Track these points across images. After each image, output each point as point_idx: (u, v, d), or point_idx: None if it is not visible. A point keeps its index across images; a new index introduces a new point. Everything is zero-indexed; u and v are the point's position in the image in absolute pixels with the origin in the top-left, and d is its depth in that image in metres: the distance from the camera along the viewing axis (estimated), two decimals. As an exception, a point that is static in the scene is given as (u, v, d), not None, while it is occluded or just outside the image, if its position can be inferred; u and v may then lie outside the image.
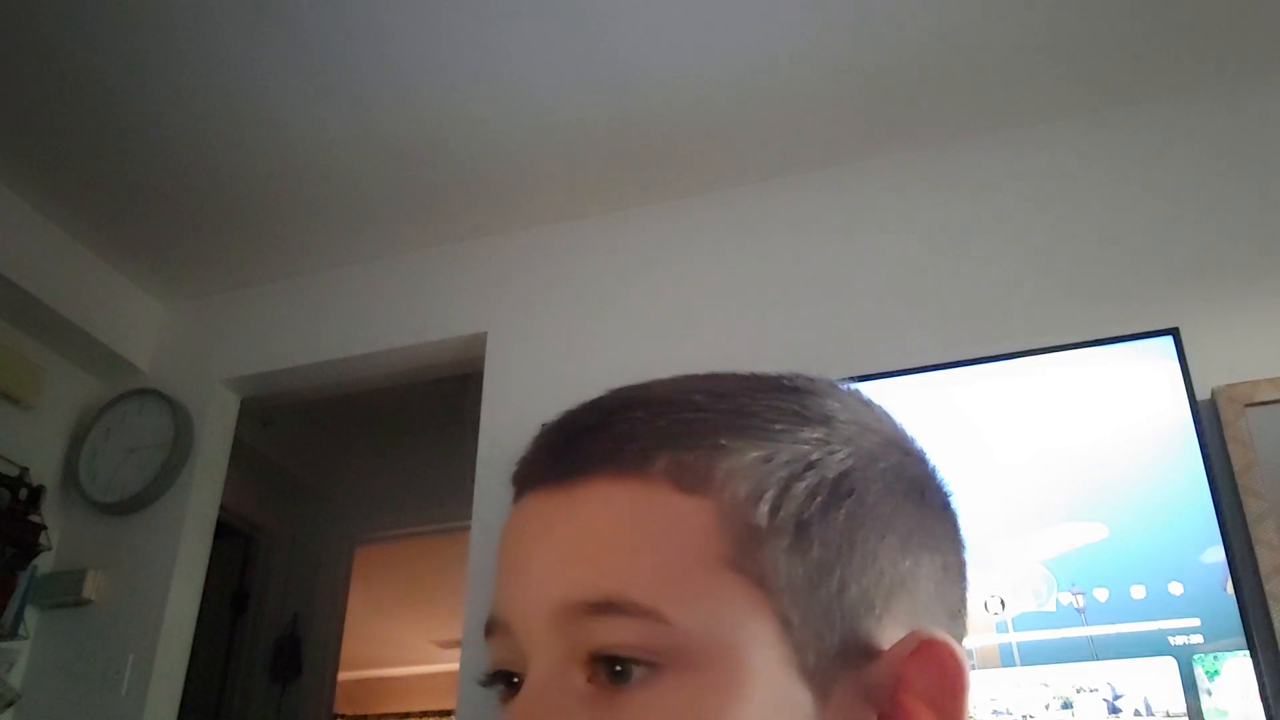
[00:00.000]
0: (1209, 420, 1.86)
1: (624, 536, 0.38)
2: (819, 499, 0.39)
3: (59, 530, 2.72)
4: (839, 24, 2.07)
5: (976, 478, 1.92)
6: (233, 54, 2.16)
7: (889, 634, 0.39)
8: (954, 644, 0.38)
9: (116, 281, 2.87)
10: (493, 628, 0.42)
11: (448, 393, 3.29)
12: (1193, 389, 1.85)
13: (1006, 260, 2.20)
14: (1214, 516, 1.75)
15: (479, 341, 2.58)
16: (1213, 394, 1.89)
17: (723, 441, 0.40)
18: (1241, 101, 2.18)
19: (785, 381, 0.44)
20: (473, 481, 2.38)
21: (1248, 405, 1.85)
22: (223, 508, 2.85)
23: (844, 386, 0.45)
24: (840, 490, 0.40)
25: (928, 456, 0.46)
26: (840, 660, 0.38)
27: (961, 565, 0.45)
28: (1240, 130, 2.16)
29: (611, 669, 0.37)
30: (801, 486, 0.39)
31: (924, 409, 2.02)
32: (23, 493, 2.61)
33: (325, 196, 2.58)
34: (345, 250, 2.78)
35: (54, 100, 2.29)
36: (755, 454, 0.40)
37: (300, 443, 3.75)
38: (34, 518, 2.62)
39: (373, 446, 3.80)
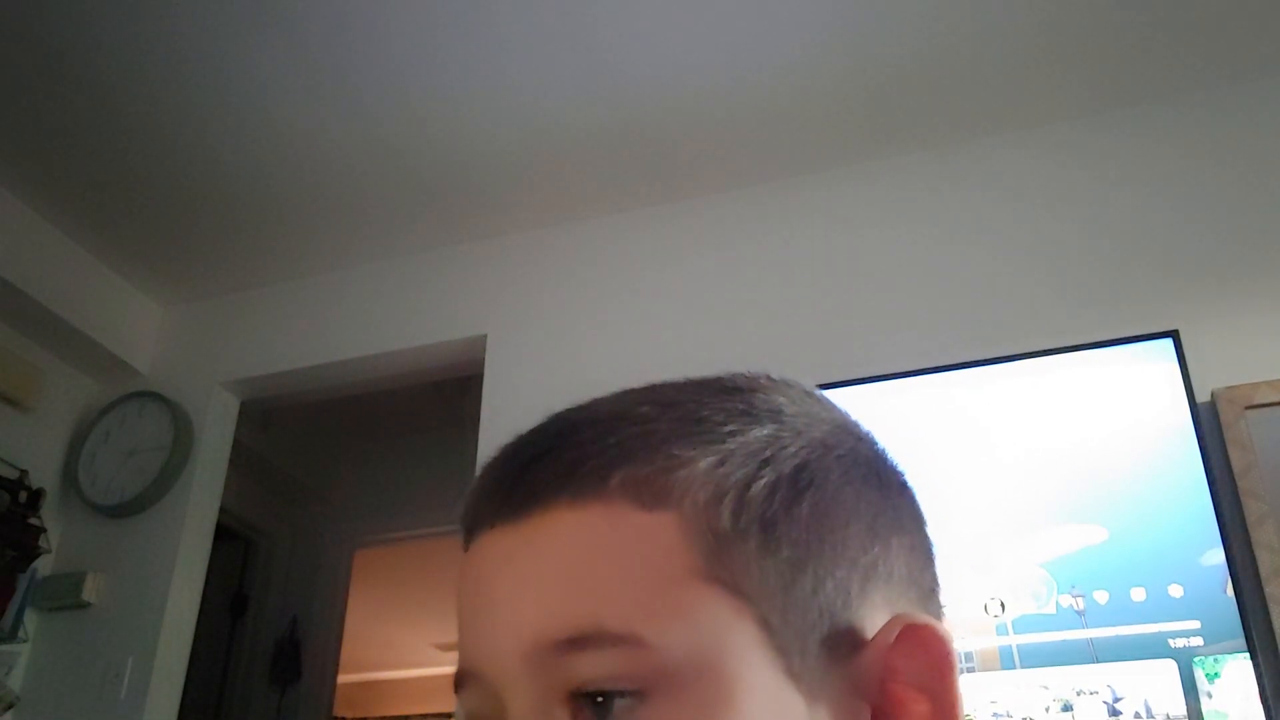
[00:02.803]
0: (1209, 422, 1.86)
1: (590, 564, 0.37)
2: (780, 495, 0.39)
3: (58, 533, 2.72)
4: (838, 26, 2.07)
5: (977, 479, 1.92)
6: (232, 57, 2.16)
7: (870, 623, 0.39)
8: (936, 625, 0.38)
9: (116, 284, 2.87)
10: (462, 681, 0.40)
11: (448, 395, 3.29)
12: (1192, 391, 1.85)
13: (1007, 262, 2.20)
14: (1214, 519, 1.75)
15: (479, 344, 2.58)
16: (1212, 396, 1.89)
17: (675, 452, 0.39)
18: (1241, 103, 2.18)
19: (728, 382, 0.43)
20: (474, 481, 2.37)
21: (1247, 407, 1.85)
22: (222, 510, 2.85)
23: (786, 380, 0.45)
24: (800, 483, 0.39)
25: (877, 439, 0.45)
26: (825, 657, 0.37)
27: (928, 543, 0.44)
28: (1240, 132, 2.16)
29: (595, 703, 0.35)
30: (760, 485, 0.38)
31: (925, 411, 2.02)
32: (22, 495, 2.60)
33: (325, 199, 2.58)
34: (345, 253, 2.78)
35: (54, 103, 2.29)
36: (709, 459, 0.39)
37: (300, 445, 3.74)
38: (33, 520, 2.62)
39: (373, 449, 3.80)
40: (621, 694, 0.35)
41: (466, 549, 0.42)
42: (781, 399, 0.42)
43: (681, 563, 0.37)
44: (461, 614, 0.41)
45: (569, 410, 0.43)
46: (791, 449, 0.40)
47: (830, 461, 0.41)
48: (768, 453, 0.39)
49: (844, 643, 0.38)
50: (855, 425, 0.45)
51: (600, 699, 0.35)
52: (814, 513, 0.39)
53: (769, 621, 0.37)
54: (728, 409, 0.41)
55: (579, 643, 0.36)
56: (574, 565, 0.37)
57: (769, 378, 0.44)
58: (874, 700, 0.38)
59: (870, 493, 0.42)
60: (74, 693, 2.50)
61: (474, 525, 0.42)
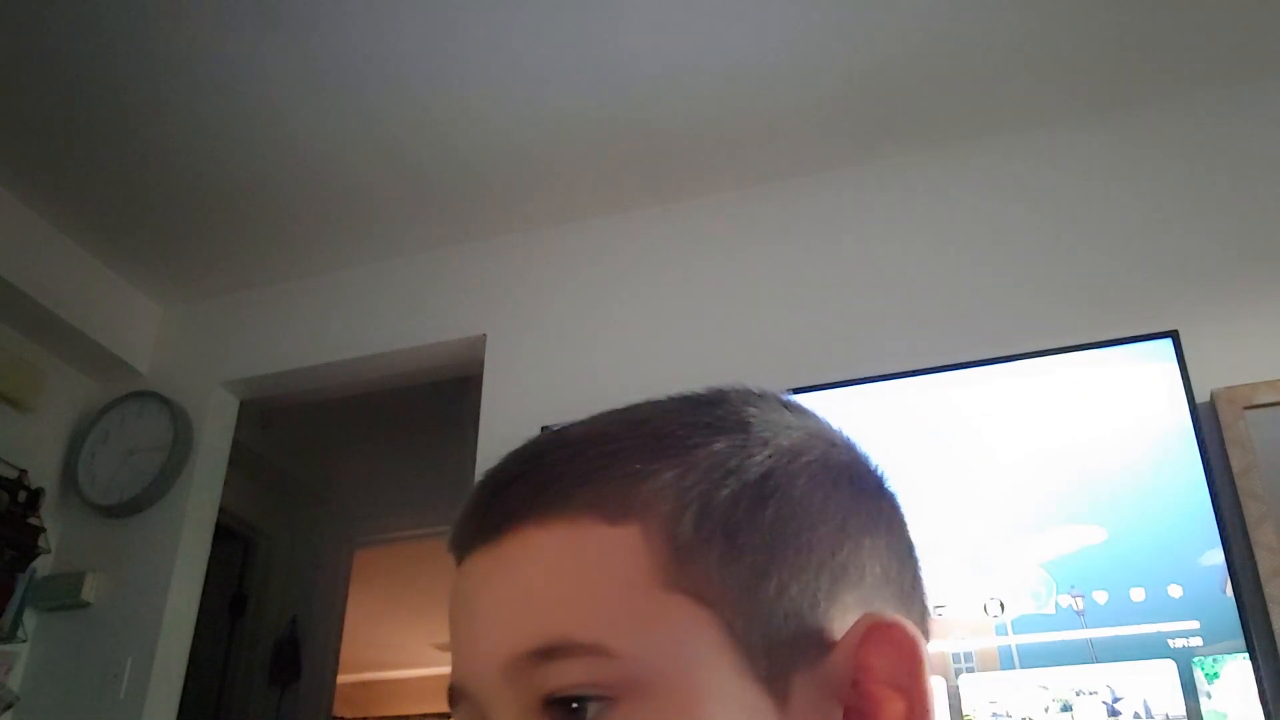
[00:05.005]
0: (1208, 423, 1.86)
1: (557, 579, 0.39)
2: (743, 503, 0.39)
3: (58, 533, 2.72)
4: (838, 27, 2.08)
5: (976, 480, 1.92)
6: (233, 56, 2.16)
7: (839, 625, 0.39)
8: (904, 622, 0.38)
9: (116, 284, 2.87)
10: (454, 697, 0.42)
11: (447, 395, 3.29)
12: (1192, 391, 1.85)
13: (1006, 263, 2.20)
14: (1213, 519, 1.75)
15: (478, 344, 2.58)
16: (1212, 396, 1.89)
17: (638, 466, 0.40)
18: (1241, 103, 2.18)
19: (699, 396, 0.44)
20: (472, 484, 2.37)
21: (1247, 408, 1.86)
22: (222, 510, 2.85)
23: (759, 391, 0.45)
24: (764, 491, 0.40)
25: (856, 444, 0.46)
26: (793, 659, 0.38)
27: (908, 543, 0.45)
28: (1239, 132, 2.16)
29: (568, 709, 0.37)
30: (723, 494, 0.39)
31: (924, 411, 2.02)
32: (22, 495, 2.60)
33: (325, 199, 2.58)
34: (345, 253, 2.78)
35: (54, 103, 2.29)
36: (672, 472, 0.40)
37: (299, 445, 3.74)
38: (33, 520, 2.62)
39: (372, 449, 3.80)
40: (592, 699, 0.36)
41: (456, 572, 0.44)
42: (751, 409, 0.43)
43: (645, 573, 0.38)
44: (450, 635, 0.43)
45: (543, 435, 0.44)
46: (757, 458, 0.41)
47: (798, 467, 0.41)
48: (732, 462, 0.40)
49: (813, 644, 0.38)
50: (830, 431, 0.46)
51: (574, 705, 0.36)
52: (778, 518, 0.40)
53: (734, 627, 0.38)
54: (693, 423, 0.42)
55: (549, 653, 0.37)
56: (542, 581, 0.39)
57: (739, 390, 0.45)
58: (846, 700, 0.38)
59: (841, 496, 0.42)
60: (73, 692, 2.50)
61: (458, 549, 0.44)
